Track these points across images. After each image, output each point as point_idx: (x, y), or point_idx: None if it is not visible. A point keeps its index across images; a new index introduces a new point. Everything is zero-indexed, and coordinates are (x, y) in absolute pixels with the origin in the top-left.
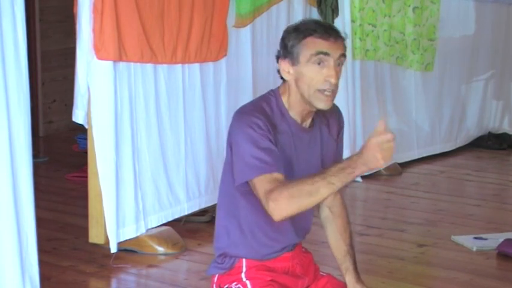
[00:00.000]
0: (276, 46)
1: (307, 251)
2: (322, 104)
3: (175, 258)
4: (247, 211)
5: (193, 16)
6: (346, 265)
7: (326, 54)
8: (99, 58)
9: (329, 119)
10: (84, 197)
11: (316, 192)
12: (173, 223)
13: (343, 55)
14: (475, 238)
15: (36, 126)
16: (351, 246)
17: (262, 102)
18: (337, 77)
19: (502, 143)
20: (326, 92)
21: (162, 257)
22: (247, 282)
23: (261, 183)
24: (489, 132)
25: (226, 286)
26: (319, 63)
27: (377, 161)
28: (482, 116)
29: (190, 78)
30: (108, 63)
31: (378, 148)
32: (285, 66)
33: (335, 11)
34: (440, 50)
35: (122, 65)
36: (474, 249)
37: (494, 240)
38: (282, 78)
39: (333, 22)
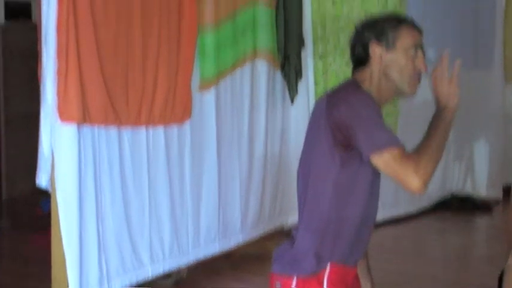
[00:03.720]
0: (240, 109)
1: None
2: (413, 89)
3: None
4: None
5: (157, 78)
6: None
7: (420, 47)
8: (63, 120)
9: None
10: (47, 260)
11: (443, 144)
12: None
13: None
14: None
15: None
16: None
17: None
18: (425, 66)
19: (465, 205)
20: (418, 79)
21: None
22: None
23: (393, 159)
24: (452, 194)
25: None
26: (413, 54)
27: (450, 93)
28: (445, 178)
29: (155, 141)
30: (72, 127)
31: (440, 80)
32: (379, 50)
33: (298, 74)
34: (403, 114)
35: (85, 129)
36: None
37: None
38: (359, 63)
39: (296, 85)
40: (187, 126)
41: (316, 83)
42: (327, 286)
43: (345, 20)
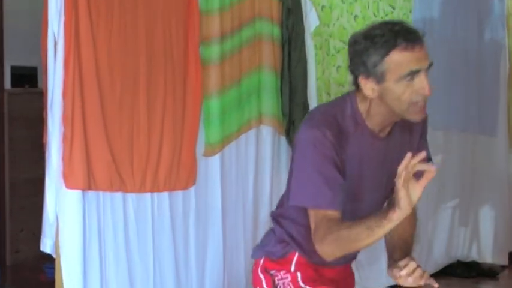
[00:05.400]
0: (245, 174)
1: (352, 272)
2: (417, 117)
3: None
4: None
5: (162, 145)
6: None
7: (417, 71)
8: (68, 187)
9: (413, 124)
10: None
11: (359, 240)
12: None
13: (431, 64)
14: None
15: (3, 255)
16: (405, 242)
17: (336, 109)
18: (429, 87)
19: (471, 271)
20: (420, 104)
21: None
22: (298, 273)
23: (315, 217)
24: (458, 260)
25: (273, 271)
26: (410, 80)
27: (406, 198)
28: (451, 244)
29: (159, 207)
30: (77, 192)
31: (403, 186)
32: (369, 84)
33: None
34: None
35: (90, 193)
36: None
37: None
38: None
39: None
40: (192, 191)
41: None
42: (295, 266)
43: (349, 86)
